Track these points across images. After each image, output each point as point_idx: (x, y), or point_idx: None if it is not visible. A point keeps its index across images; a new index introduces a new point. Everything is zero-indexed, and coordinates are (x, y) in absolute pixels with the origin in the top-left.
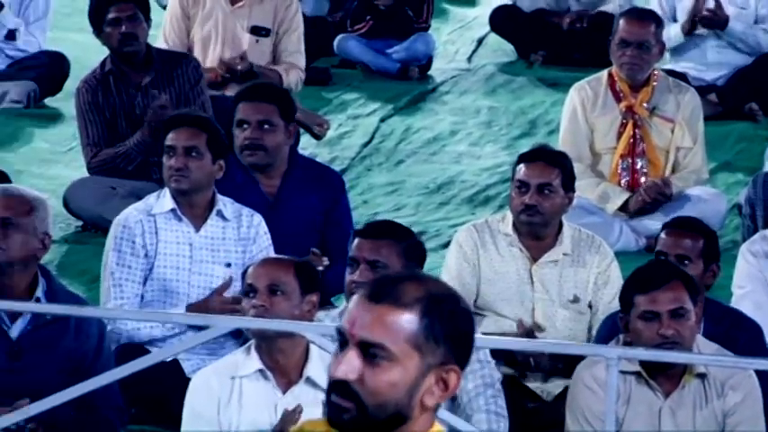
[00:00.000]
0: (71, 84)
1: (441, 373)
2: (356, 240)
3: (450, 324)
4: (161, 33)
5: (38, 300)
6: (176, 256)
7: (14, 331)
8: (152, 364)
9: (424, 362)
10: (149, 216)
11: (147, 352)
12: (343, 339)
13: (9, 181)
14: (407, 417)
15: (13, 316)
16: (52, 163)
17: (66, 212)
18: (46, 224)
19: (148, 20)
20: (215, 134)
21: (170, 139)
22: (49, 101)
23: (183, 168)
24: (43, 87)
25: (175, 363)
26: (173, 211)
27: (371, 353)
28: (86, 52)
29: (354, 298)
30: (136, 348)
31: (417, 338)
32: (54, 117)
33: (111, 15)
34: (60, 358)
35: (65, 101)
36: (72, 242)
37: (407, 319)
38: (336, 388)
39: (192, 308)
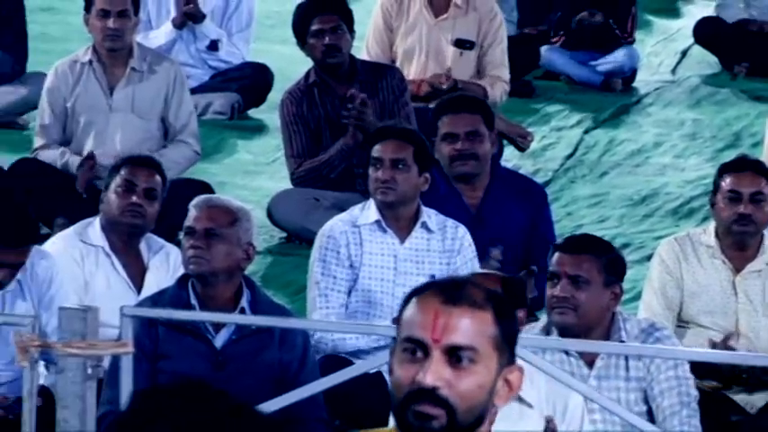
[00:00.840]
0: (275, 95)
1: (507, 373)
2: (556, 255)
3: (513, 322)
4: (364, 45)
5: (242, 310)
6: (381, 267)
7: (219, 341)
8: (356, 376)
9: (500, 362)
10: (354, 227)
11: (351, 363)
12: (419, 347)
13: (213, 192)
14: (485, 419)
15: (218, 326)
16: (256, 174)
17: (270, 224)
18: (250, 235)
19: (352, 32)
20: (422, 146)
21: (377, 151)
22: (252, 112)
23: (390, 181)
24: (247, 99)
25: (379, 375)
26: (377, 222)
27: (458, 356)
28: (290, 64)
29: (421, 304)
30: (340, 360)
31: (497, 339)
32: (258, 128)
33: (314, 27)
34: (264, 369)
35: (268, 112)
36: (276, 253)
37: (488, 320)
38: (425, 396)
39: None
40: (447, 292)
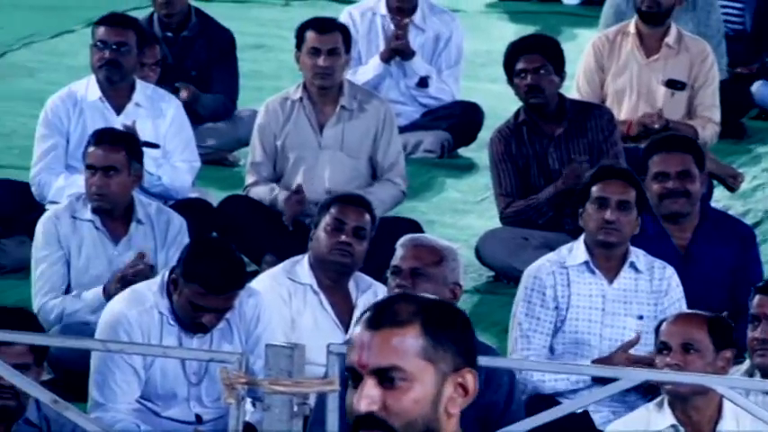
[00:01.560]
0: (485, 134)
1: (456, 378)
2: (757, 297)
3: (450, 328)
4: (575, 84)
5: None
6: (589, 308)
7: None
8: (563, 416)
9: (438, 372)
10: (562, 268)
11: (558, 403)
12: (355, 375)
13: (421, 230)
14: (437, 430)
15: None
16: (464, 213)
17: (477, 262)
18: (456, 274)
19: (561, 72)
20: (641, 189)
21: (601, 190)
22: (462, 151)
23: (616, 222)
24: (457, 137)
25: (586, 414)
26: (586, 263)
27: (388, 377)
28: (501, 102)
29: (354, 334)
30: (546, 399)
31: (426, 351)
32: (467, 167)
33: (519, 66)
34: (469, 409)
35: (478, 151)
36: (483, 292)
37: (412, 335)
38: (363, 423)
39: (597, 362)
40: (370, 316)
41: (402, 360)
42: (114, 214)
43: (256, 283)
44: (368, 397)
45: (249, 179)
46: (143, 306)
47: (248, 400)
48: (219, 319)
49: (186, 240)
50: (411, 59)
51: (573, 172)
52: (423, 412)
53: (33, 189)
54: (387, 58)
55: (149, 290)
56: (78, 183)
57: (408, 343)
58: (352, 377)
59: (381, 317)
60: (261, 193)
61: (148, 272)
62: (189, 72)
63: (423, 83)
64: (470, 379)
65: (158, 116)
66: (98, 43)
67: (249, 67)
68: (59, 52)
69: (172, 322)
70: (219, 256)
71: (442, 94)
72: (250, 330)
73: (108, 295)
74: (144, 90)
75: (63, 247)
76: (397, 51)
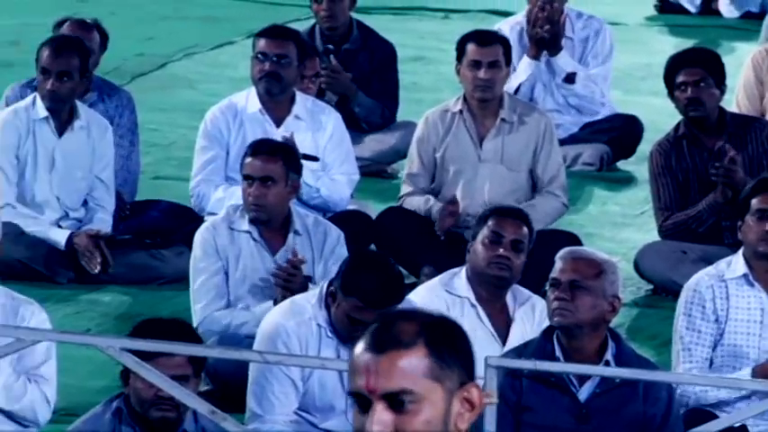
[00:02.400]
0: (644, 147)
1: (462, 393)
2: None
3: (453, 344)
4: (734, 98)
5: (607, 363)
6: (747, 321)
7: (583, 394)
8: (720, 429)
9: (446, 390)
10: (721, 281)
11: (715, 416)
12: (361, 400)
13: (580, 243)
14: None
15: (582, 379)
16: (623, 226)
17: (636, 276)
18: (615, 287)
19: (721, 86)
20: None
21: (760, 203)
22: (621, 164)
23: None
24: (616, 150)
25: (743, 428)
26: (745, 276)
27: (399, 401)
28: (660, 116)
29: (356, 356)
30: (704, 413)
31: (433, 370)
32: (626, 180)
33: (679, 79)
34: (628, 422)
35: (637, 164)
36: (642, 306)
37: (417, 356)
38: None
39: (758, 371)
40: (373, 339)
41: (411, 383)
42: (272, 225)
43: (414, 296)
44: (380, 422)
45: (405, 189)
46: (301, 317)
47: None
48: None
49: (344, 252)
50: (556, 55)
51: (725, 169)
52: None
53: (192, 200)
54: (535, 53)
55: (308, 302)
56: (237, 194)
57: (415, 364)
58: (358, 402)
59: (385, 339)
60: (416, 202)
61: (303, 282)
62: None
63: (569, 79)
64: (476, 393)
65: (318, 129)
66: (259, 55)
67: (409, 79)
68: (220, 64)
69: (330, 334)
70: (378, 269)
71: (589, 91)
72: None
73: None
74: (304, 103)
75: (221, 258)
76: (543, 43)
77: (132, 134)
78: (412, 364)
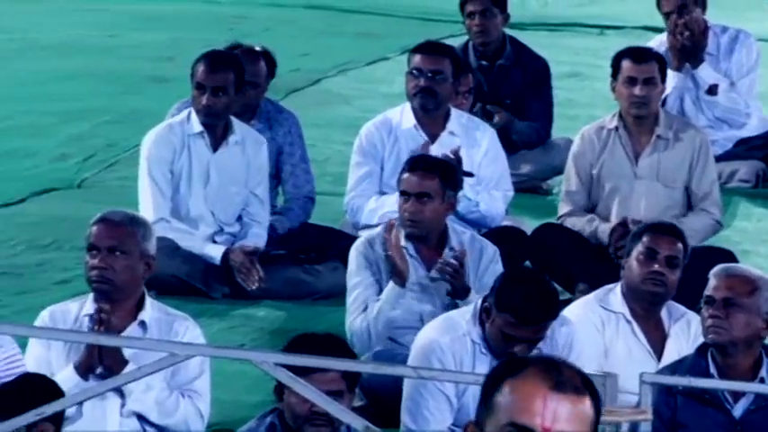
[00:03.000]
0: None
1: None
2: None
3: (599, 397)
4: None
5: (762, 380)
6: None
7: (738, 411)
8: None
9: None
10: None
11: None
12: None
13: (735, 260)
14: None
15: (737, 395)
16: None
17: None
18: None
19: None
20: None
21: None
22: None
23: None
24: None
25: None
26: None
27: None
28: None
29: (525, 388)
30: None
31: (594, 425)
32: None
33: None
34: None
35: None
36: None
37: (588, 406)
38: None
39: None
40: (552, 376)
41: (584, 429)
42: (427, 241)
43: (568, 312)
44: None
45: (564, 209)
46: (456, 333)
47: None
48: (531, 348)
49: (499, 269)
50: (699, 67)
51: None
52: None
53: (347, 215)
54: (677, 65)
55: (462, 318)
56: (388, 202)
57: (587, 414)
58: None
59: (563, 381)
60: (579, 223)
61: (466, 285)
62: (504, 100)
63: (711, 91)
64: None
65: (473, 145)
66: (414, 71)
67: (564, 96)
68: (374, 79)
69: (484, 350)
70: (532, 286)
71: (733, 102)
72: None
73: None
74: (459, 118)
75: (376, 273)
76: (685, 52)
77: (304, 162)
78: (585, 412)
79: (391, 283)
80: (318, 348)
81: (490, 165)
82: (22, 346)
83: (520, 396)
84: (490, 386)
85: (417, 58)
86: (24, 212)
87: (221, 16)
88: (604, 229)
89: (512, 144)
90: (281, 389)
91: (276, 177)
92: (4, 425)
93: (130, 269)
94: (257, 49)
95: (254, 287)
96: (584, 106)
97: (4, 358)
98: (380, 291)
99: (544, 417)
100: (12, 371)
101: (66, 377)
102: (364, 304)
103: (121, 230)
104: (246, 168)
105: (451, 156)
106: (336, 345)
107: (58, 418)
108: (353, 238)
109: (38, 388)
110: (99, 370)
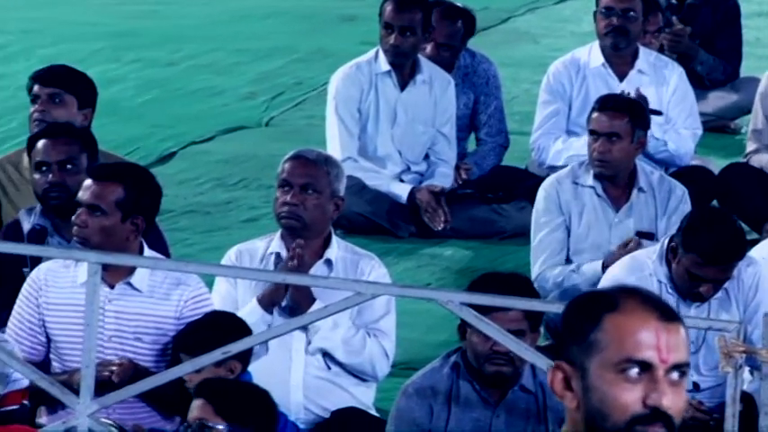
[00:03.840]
0: None
1: None
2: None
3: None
4: None
5: None
6: None
7: None
8: None
9: None
10: None
11: None
12: (641, 366)
13: None
14: None
15: None
16: None
17: None
18: None
19: None
20: None
21: None
22: None
23: None
24: None
25: None
26: None
27: (681, 373)
28: None
29: (636, 322)
30: None
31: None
32: None
33: None
34: None
35: None
36: None
37: (685, 333)
38: (659, 418)
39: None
40: (655, 307)
41: (689, 356)
42: (616, 181)
43: (755, 252)
44: (668, 394)
45: (750, 146)
46: (642, 273)
47: (746, 368)
48: (717, 288)
49: (687, 209)
50: None
51: None
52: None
53: (533, 154)
54: None
55: (648, 257)
56: (575, 146)
57: (686, 339)
58: (630, 368)
59: (667, 310)
60: (765, 160)
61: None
62: (693, 39)
63: None
64: None
65: (661, 83)
66: (604, 9)
67: (752, 35)
68: (563, 18)
69: (670, 290)
70: (719, 226)
71: None
72: (748, 299)
73: (604, 266)
74: (647, 57)
75: (563, 213)
76: None
77: (499, 112)
78: (687, 340)
79: (597, 266)
80: (503, 287)
81: (679, 103)
82: (209, 284)
83: (629, 330)
84: (586, 322)
85: None
86: (212, 151)
87: None
88: None
89: (698, 80)
90: (464, 328)
91: (471, 126)
92: (193, 362)
93: (320, 208)
94: (458, 5)
95: (439, 227)
96: None
97: (191, 297)
98: (567, 232)
99: (659, 348)
100: (199, 310)
101: (249, 311)
102: (550, 247)
103: (315, 169)
104: (434, 107)
105: (639, 93)
106: (521, 284)
107: (246, 355)
108: (540, 178)
109: (226, 325)
110: (284, 303)
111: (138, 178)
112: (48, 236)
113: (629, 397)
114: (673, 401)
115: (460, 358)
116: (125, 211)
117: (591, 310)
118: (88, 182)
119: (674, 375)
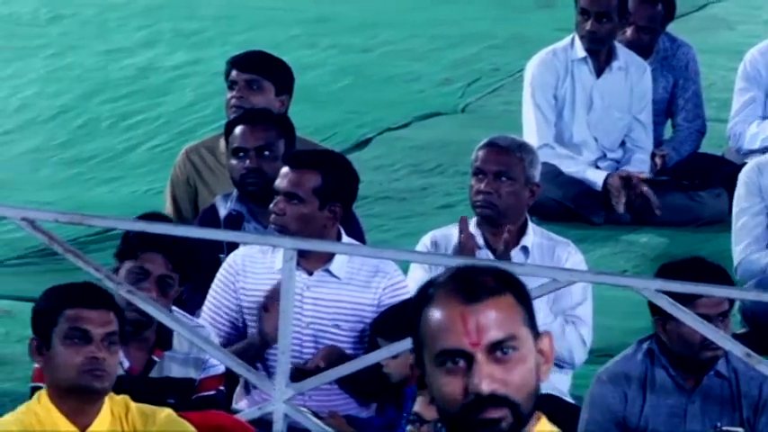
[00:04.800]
0: None
1: (539, 345)
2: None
3: (528, 297)
4: None
5: None
6: None
7: None
8: None
9: (533, 339)
10: None
11: None
12: (458, 356)
13: None
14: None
15: None
16: None
17: None
18: None
19: None
20: None
21: None
22: None
23: None
24: None
25: None
26: None
27: (503, 350)
28: None
29: (442, 311)
30: None
31: (525, 317)
32: None
33: None
34: None
35: None
36: None
37: (512, 302)
38: (485, 402)
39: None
40: (461, 289)
41: (513, 328)
42: None
43: None
44: (488, 376)
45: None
46: None
47: None
48: None
49: None
50: None
51: None
52: (534, 381)
53: (730, 141)
54: None
55: None
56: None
57: (512, 309)
58: (448, 360)
59: (475, 289)
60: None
61: None
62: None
63: None
64: (548, 343)
65: None
66: None
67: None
68: (758, 5)
69: None
70: None
71: None
72: None
73: None
74: None
75: (765, 198)
76: None
77: (697, 96)
78: (510, 309)
79: None
80: (698, 275)
81: None
82: (404, 270)
83: (438, 322)
84: (413, 322)
85: None
86: (408, 137)
87: None
88: None
89: None
90: (659, 315)
91: (668, 112)
92: (390, 348)
93: (515, 195)
94: None
95: (621, 211)
96: None
97: (389, 285)
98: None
99: (468, 333)
100: (397, 297)
101: None
102: (752, 233)
103: (508, 156)
104: (630, 94)
105: None
106: (716, 271)
107: None
108: (737, 166)
109: None
110: None
111: (336, 165)
112: (244, 221)
113: (453, 388)
114: (502, 381)
115: (655, 345)
116: (322, 199)
117: (415, 307)
118: (285, 169)
119: (498, 354)
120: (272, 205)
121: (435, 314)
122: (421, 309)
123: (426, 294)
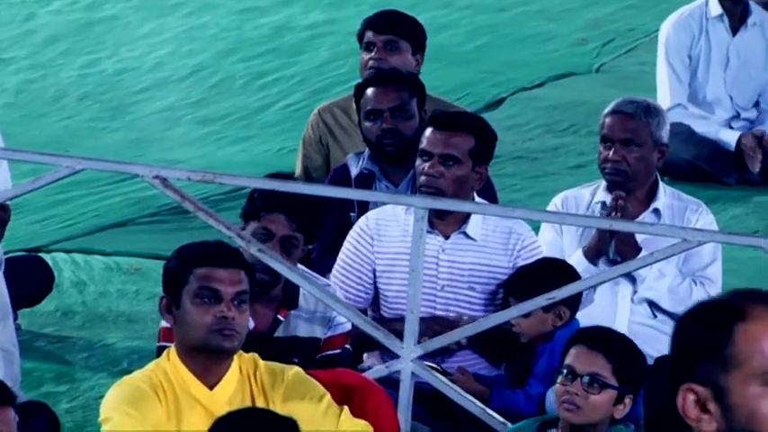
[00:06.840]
0: None
1: None
2: None
3: None
4: None
5: None
6: None
7: None
8: None
9: None
10: None
11: None
12: None
13: None
14: None
15: None
16: None
17: None
18: None
19: None
20: None
21: None
22: None
23: None
24: None
25: None
26: None
27: None
28: None
29: None
30: None
31: None
32: None
33: None
34: None
35: None
36: None
37: None
38: None
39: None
40: None
41: None
42: None
43: None
44: None
45: None
46: None
47: None
48: None
49: None
50: None
51: None
52: None
53: None
54: None
55: None
56: None
57: None
58: None
59: None
60: None
61: None
62: None
63: None
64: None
65: None
66: None
67: None
68: None
69: None
70: None
71: None
72: None
73: None
74: None
75: None
76: None
77: None
78: None
79: None
80: None
81: None
82: (535, 229)
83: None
84: (715, 336)
85: None
86: (542, 96)
87: None
88: None
89: None
90: None
91: None
92: (519, 306)
93: (644, 160)
94: None
95: (756, 171)
96: None
97: (524, 246)
98: None
99: None
100: (531, 258)
101: (575, 262)
102: None
103: (635, 122)
104: (765, 52)
105: None
106: None
107: (574, 302)
108: None
109: (557, 271)
110: (611, 255)
111: (483, 127)
112: (375, 180)
113: None
114: None
115: None
116: (474, 160)
117: (717, 322)
118: (435, 132)
119: None
120: (427, 167)
121: (763, 330)
122: (731, 323)
123: (737, 309)
